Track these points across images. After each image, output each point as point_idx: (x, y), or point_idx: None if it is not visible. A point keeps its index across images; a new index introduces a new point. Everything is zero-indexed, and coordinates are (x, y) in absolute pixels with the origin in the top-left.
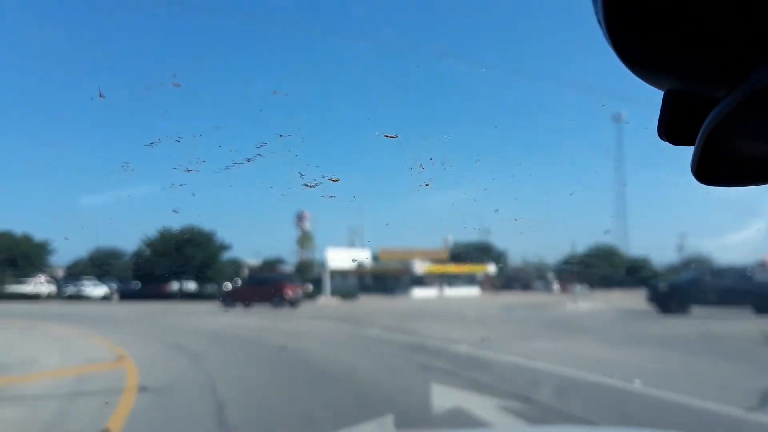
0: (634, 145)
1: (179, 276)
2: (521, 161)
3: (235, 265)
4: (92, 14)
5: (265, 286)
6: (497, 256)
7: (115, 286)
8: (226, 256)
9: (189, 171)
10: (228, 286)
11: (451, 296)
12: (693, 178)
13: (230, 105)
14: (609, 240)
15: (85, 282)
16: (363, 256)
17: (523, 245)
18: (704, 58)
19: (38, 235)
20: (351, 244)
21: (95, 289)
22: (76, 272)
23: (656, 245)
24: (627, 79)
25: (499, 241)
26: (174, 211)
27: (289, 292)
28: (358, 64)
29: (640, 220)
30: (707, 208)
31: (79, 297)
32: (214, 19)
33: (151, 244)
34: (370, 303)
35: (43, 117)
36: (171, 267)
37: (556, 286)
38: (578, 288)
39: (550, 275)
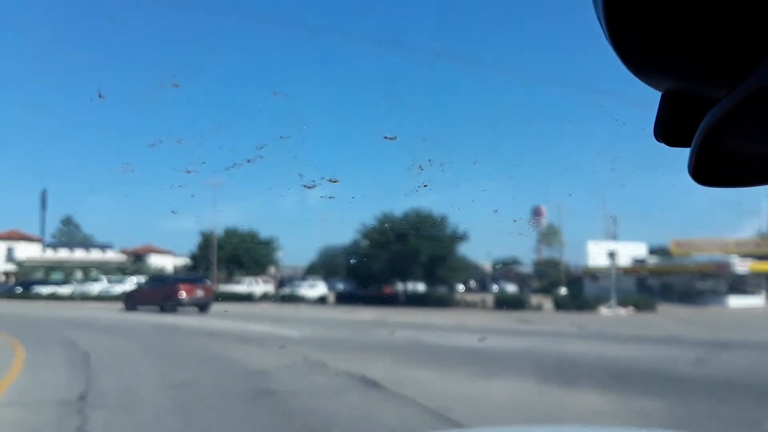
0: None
1: (405, 274)
2: (520, 162)
3: (469, 265)
4: (93, 16)
5: (162, 288)
6: None
7: (341, 286)
8: (460, 253)
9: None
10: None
11: None
12: (690, 178)
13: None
14: None
15: (303, 282)
16: (637, 251)
17: None
18: (703, 59)
19: (264, 233)
20: (611, 237)
21: (311, 290)
22: (308, 272)
23: None
24: (625, 80)
25: None
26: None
27: (184, 294)
28: (357, 65)
29: None
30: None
31: (293, 298)
32: (214, 20)
33: (369, 233)
34: (686, 318)
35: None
36: (392, 262)
37: None
38: None
39: None
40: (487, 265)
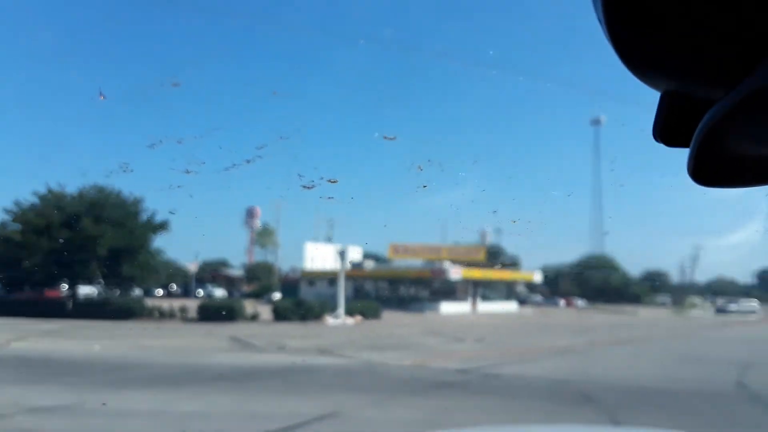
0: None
1: (77, 273)
2: (519, 163)
3: (169, 265)
4: (93, 17)
5: None
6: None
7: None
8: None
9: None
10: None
11: (490, 312)
12: (689, 178)
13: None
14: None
15: None
16: (354, 254)
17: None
18: (702, 59)
19: None
20: (327, 240)
21: None
22: None
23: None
24: (624, 81)
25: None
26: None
27: None
28: (357, 65)
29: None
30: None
31: None
32: (214, 20)
33: (23, 214)
34: (412, 325)
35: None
36: (58, 255)
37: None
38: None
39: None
40: (193, 267)
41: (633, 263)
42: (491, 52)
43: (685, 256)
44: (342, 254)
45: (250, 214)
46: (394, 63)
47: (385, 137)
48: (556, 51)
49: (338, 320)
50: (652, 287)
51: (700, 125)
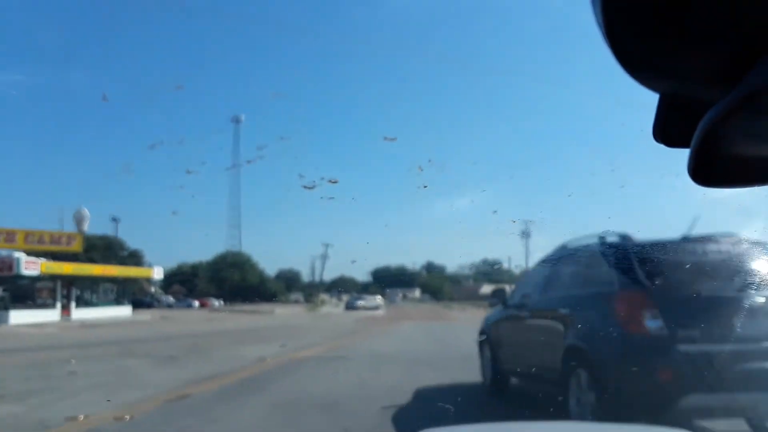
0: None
1: None
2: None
3: None
4: (95, 18)
5: None
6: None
7: None
8: None
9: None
10: None
11: (91, 321)
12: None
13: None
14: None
15: None
16: None
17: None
18: (701, 60)
19: None
20: None
21: None
22: None
23: None
24: (622, 81)
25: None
26: None
27: None
28: (357, 66)
29: None
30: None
31: None
32: (215, 22)
33: None
34: None
35: None
36: None
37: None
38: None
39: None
40: None
41: (269, 261)
42: (491, 55)
43: (316, 255)
44: None
45: None
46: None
47: None
48: (556, 52)
49: None
50: (286, 285)
51: (699, 126)
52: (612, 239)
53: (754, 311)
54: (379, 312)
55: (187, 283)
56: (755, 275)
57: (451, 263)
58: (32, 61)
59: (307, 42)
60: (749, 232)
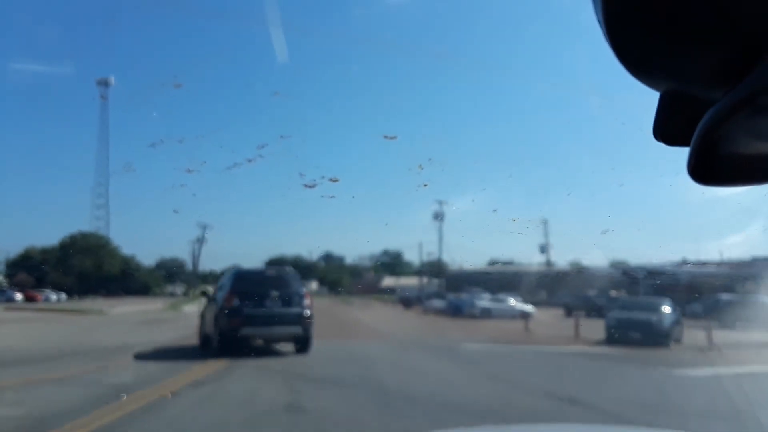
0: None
1: None
2: (518, 162)
3: None
4: (95, 17)
5: None
6: None
7: None
8: None
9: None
10: None
11: None
12: (689, 177)
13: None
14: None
15: None
16: None
17: None
18: (701, 60)
19: None
20: None
21: None
22: None
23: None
24: (622, 80)
25: None
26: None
27: None
28: (358, 65)
29: None
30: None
31: None
32: (216, 21)
33: None
34: None
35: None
36: None
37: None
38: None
39: None
40: None
41: (146, 251)
42: (491, 54)
43: (192, 241)
44: None
45: None
46: (393, 64)
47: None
48: (556, 52)
49: None
50: (168, 276)
51: (699, 125)
52: (237, 269)
53: (273, 297)
54: None
55: (36, 271)
56: (280, 282)
57: (352, 253)
58: (31, 59)
59: (307, 42)
60: (749, 231)
